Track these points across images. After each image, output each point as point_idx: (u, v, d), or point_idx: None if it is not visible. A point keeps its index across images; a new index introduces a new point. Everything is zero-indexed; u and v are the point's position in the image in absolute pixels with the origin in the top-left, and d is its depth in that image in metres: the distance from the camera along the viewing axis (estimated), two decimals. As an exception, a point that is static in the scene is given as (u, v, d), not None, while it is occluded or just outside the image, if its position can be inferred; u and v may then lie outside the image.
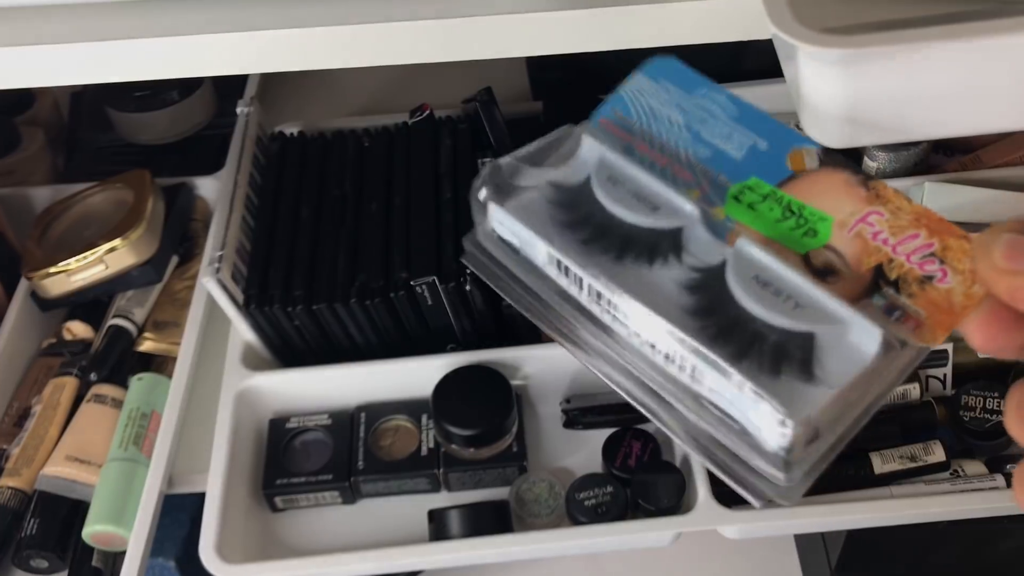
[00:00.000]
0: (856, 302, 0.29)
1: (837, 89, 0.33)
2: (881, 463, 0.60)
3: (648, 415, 0.30)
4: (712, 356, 0.28)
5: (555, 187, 0.32)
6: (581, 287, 0.31)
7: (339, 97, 0.87)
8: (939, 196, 0.69)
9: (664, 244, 0.30)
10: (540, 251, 0.31)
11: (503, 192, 0.32)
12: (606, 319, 0.31)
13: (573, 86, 0.81)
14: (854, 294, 0.29)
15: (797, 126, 0.40)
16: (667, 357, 0.29)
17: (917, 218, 0.30)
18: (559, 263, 0.31)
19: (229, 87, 0.85)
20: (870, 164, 0.73)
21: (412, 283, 0.63)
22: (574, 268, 0.31)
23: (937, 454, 0.60)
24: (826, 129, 0.35)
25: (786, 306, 0.29)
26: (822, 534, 0.71)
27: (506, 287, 0.33)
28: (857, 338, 0.28)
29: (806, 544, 0.77)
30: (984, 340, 0.28)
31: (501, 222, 0.32)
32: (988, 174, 0.72)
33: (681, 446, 0.31)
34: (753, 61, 0.79)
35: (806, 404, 0.27)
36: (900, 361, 0.28)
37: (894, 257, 0.30)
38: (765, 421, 0.28)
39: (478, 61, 0.75)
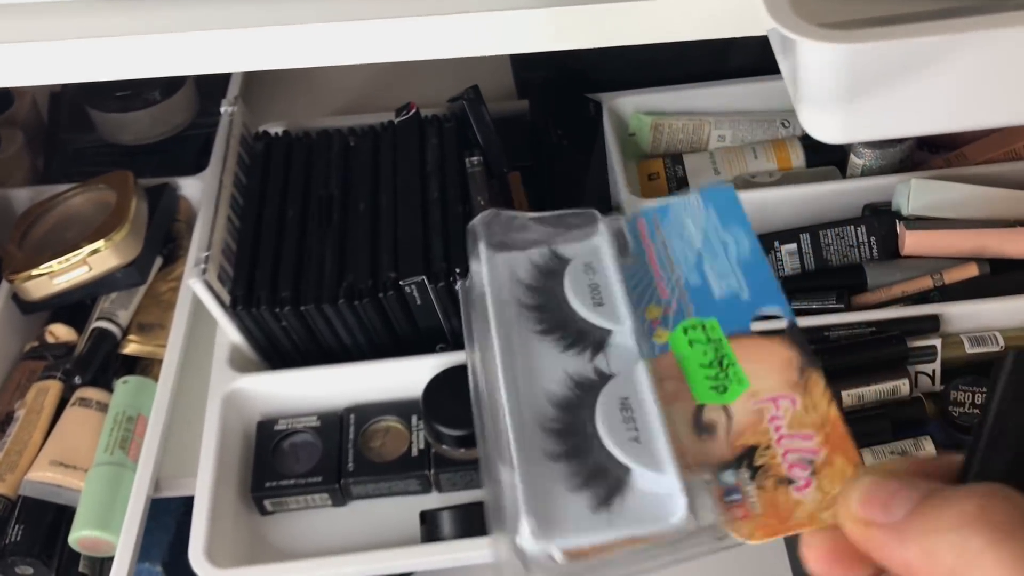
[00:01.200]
0: (707, 468, 0.29)
1: (837, 84, 0.33)
2: (872, 459, 0.60)
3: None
4: (525, 452, 0.31)
5: (555, 255, 0.35)
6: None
7: (324, 96, 0.87)
8: (925, 193, 0.70)
9: (588, 338, 0.33)
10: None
11: (497, 241, 0.36)
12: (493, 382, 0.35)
13: (559, 84, 0.81)
14: (713, 459, 0.29)
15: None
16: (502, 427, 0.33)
17: (823, 424, 0.29)
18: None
19: (211, 86, 0.84)
20: (856, 161, 0.73)
21: (401, 283, 0.62)
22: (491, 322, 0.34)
23: (927, 449, 0.60)
24: (824, 124, 0.35)
25: (628, 434, 0.30)
26: (812, 530, 0.71)
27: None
28: (667, 498, 0.29)
29: (795, 541, 0.77)
30: (820, 567, 0.27)
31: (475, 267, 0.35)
32: (973, 171, 0.72)
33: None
34: (738, 59, 0.80)
35: (569, 530, 0.28)
36: (699, 542, 0.29)
37: (773, 447, 0.29)
38: (521, 525, 0.29)
39: (464, 60, 0.75)
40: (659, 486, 0.29)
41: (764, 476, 0.29)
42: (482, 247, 0.36)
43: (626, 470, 0.29)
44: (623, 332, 0.33)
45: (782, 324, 0.32)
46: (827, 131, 0.35)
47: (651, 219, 0.35)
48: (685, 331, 0.32)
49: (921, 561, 0.24)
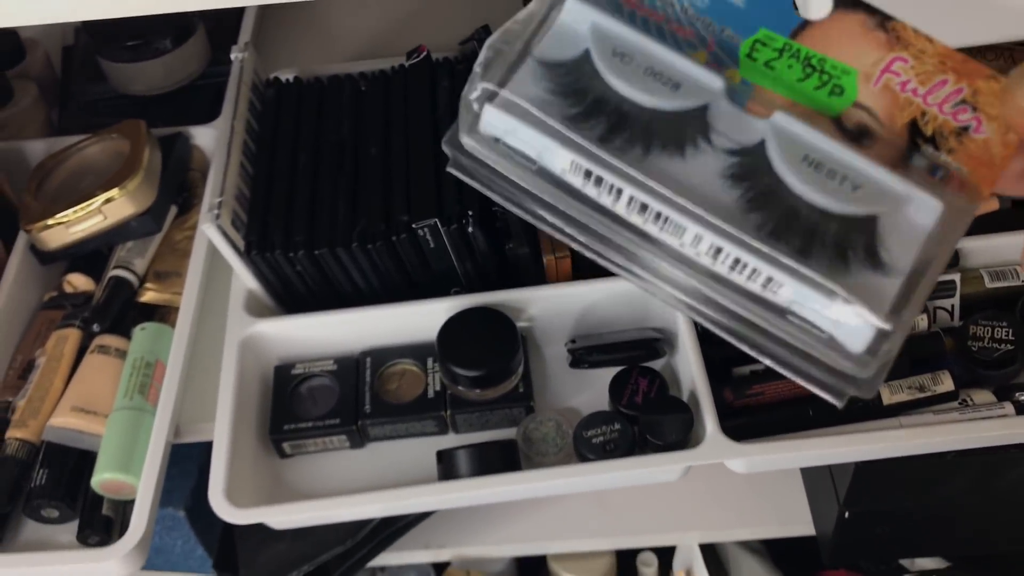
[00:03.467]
0: (898, 165, 0.27)
1: None
2: (890, 394, 0.59)
3: (715, 329, 0.28)
4: (781, 258, 0.26)
5: (548, 67, 0.28)
6: (619, 197, 0.27)
7: (334, 41, 0.86)
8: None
9: (691, 127, 0.27)
10: (559, 159, 0.27)
11: (497, 89, 0.28)
12: (651, 230, 0.27)
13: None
14: (894, 155, 0.27)
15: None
16: (733, 267, 0.27)
17: (943, 61, 0.27)
18: (588, 172, 0.27)
19: (223, 35, 0.83)
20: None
21: (414, 226, 0.62)
22: (609, 177, 0.27)
23: (946, 384, 0.59)
24: None
25: (843, 189, 0.27)
26: (829, 469, 0.71)
27: (513, 197, 0.29)
28: (916, 213, 0.26)
29: (813, 479, 0.77)
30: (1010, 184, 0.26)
31: (502, 126, 0.28)
32: None
33: (755, 356, 0.27)
34: None
35: (883, 296, 0.25)
36: (957, 226, 0.27)
37: (927, 109, 0.27)
38: (850, 322, 0.26)
39: (475, 2, 0.74)
40: (904, 209, 0.27)
41: (944, 139, 0.27)
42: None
43: (871, 220, 0.27)
44: (717, 97, 0.27)
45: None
46: None
47: None
48: (750, 57, 0.28)
49: None
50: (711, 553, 0.84)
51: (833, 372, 0.26)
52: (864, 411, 0.60)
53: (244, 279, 0.66)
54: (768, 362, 0.27)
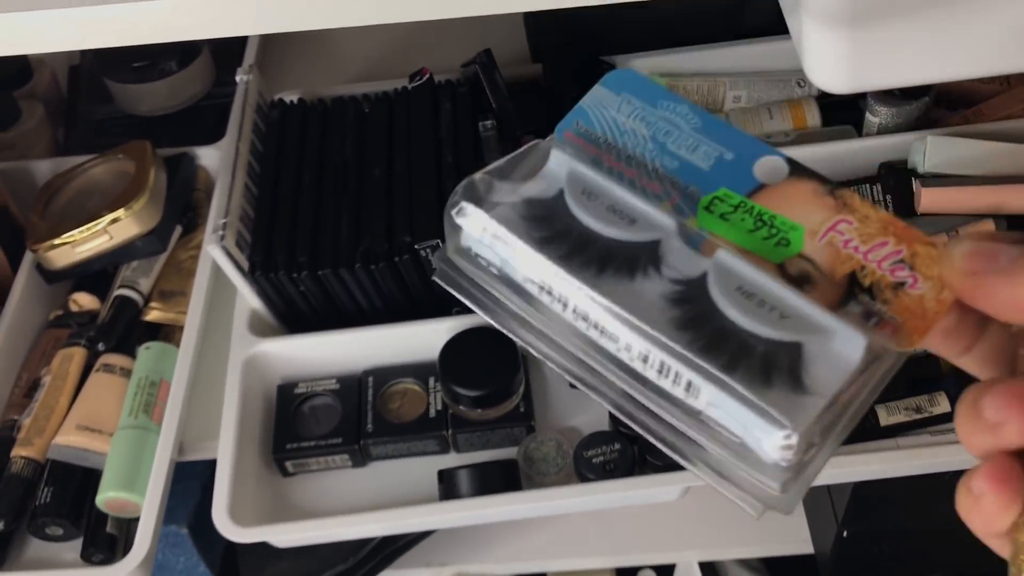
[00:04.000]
0: (834, 310, 0.29)
1: (840, 33, 0.33)
2: (887, 415, 0.60)
3: (638, 429, 0.30)
4: (708, 368, 0.28)
5: (529, 202, 0.32)
6: (566, 307, 0.31)
7: (338, 64, 0.87)
8: (940, 150, 0.69)
9: (643, 257, 0.30)
10: (520, 266, 0.31)
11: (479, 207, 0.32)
12: (592, 335, 0.30)
13: (572, 48, 0.81)
14: (831, 302, 0.29)
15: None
16: (660, 371, 0.30)
17: (884, 226, 0.30)
18: (542, 284, 0.31)
19: (227, 57, 0.84)
20: (872, 119, 0.73)
21: (416, 247, 0.63)
22: (557, 285, 0.30)
23: (942, 405, 0.60)
24: (830, 73, 0.35)
25: (771, 317, 0.29)
26: (828, 488, 0.71)
27: (483, 305, 0.32)
28: (842, 346, 0.29)
29: (812, 498, 0.77)
30: (945, 346, 0.29)
31: (479, 233, 0.32)
32: (989, 127, 0.72)
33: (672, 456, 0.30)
34: (752, 19, 0.79)
35: (803, 414, 0.27)
36: (882, 367, 0.29)
37: (866, 264, 0.30)
38: (766, 435, 0.28)
39: (477, 26, 0.74)
40: (829, 341, 0.29)
41: (880, 291, 0.30)
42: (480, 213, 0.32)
43: (796, 346, 0.29)
44: (669, 235, 0.31)
45: (785, 167, 0.31)
46: (833, 80, 0.35)
47: (575, 128, 0.33)
48: (708, 209, 0.31)
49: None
50: (710, 571, 0.85)
51: (748, 482, 0.28)
52: (862, 432, 0.60)
53: (248, 299, 0.66)
54: (686, 464, 0.30)
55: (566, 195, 0.32)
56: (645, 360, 0.30)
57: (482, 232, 0.31)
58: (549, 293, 0.31)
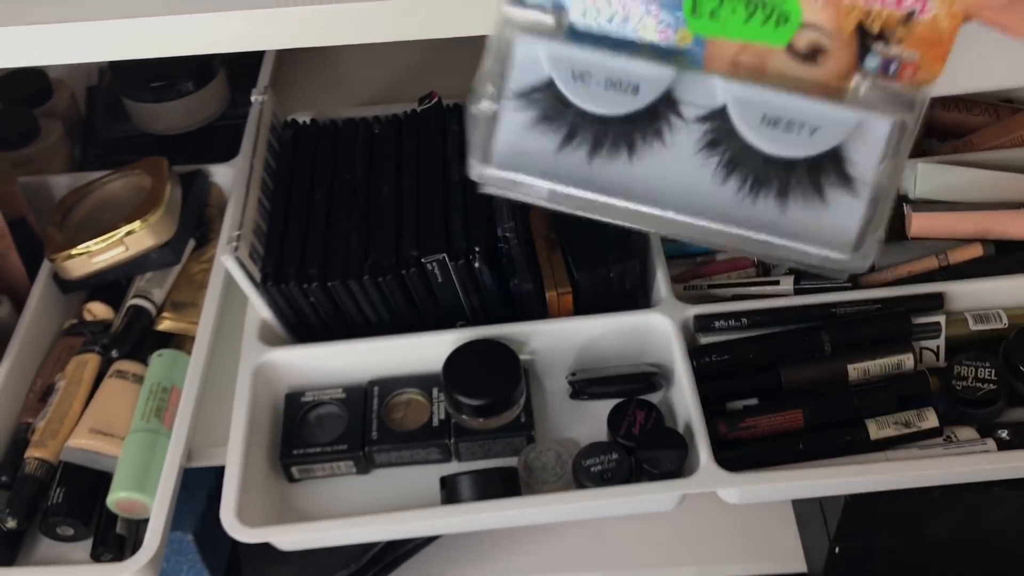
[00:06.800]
0: (852, 73, 0.29)
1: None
2: (877, 429, 0.62)
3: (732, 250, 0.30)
4: (769, 239, 0.29)
5: (524, 96, 0.30)
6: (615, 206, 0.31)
7: (350, 87, 0.90)
8: (931, 177, 0.72)
9: (662, 110, 0.30)
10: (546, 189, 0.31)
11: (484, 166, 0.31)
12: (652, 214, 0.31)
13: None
14: (849, 63, 0.29)
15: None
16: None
17: None
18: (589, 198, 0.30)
19: (242, 79, 0.87)
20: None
21: (423, 260, 0.65)
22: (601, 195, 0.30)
23: (931, 420, 0.62)
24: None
25: (802, 136, 0.29)
26: (820, 503, 0.73)
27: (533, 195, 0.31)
28: (871, 129, 0.29)
29: (805, 515, 0.79)
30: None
31: (505, 179, 0.31)
32: (978, 156, 0.74)
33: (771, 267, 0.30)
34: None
35: (854, 222, 0.28)
36: (915, 112, 0.29)
37: (870, 8, 0.29)
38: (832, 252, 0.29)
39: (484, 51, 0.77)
40: (859, 129, 0.29)
41: (892, 31, 0.29)
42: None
43: (834, 151, 0.29)
44: (672, 77, 0.30)
45: None
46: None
47: None
48: (695, 13, 0.29)
49: None
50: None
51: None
52: (852, 446, 0.62)
53: (259, 309, 0.68)
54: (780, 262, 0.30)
55: (558, 84, 0.30)
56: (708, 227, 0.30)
57: (504, 185, 0.31)
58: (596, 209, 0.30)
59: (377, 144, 0.75)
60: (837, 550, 0.72)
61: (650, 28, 0.29)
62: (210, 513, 0.77)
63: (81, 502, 0.64)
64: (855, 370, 0.64)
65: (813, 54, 0.29)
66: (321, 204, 0.71)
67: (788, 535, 0.80)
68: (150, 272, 0.74)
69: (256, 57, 0.88)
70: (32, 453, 0.65)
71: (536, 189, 0.30)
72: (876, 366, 0.64)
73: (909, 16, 0.28)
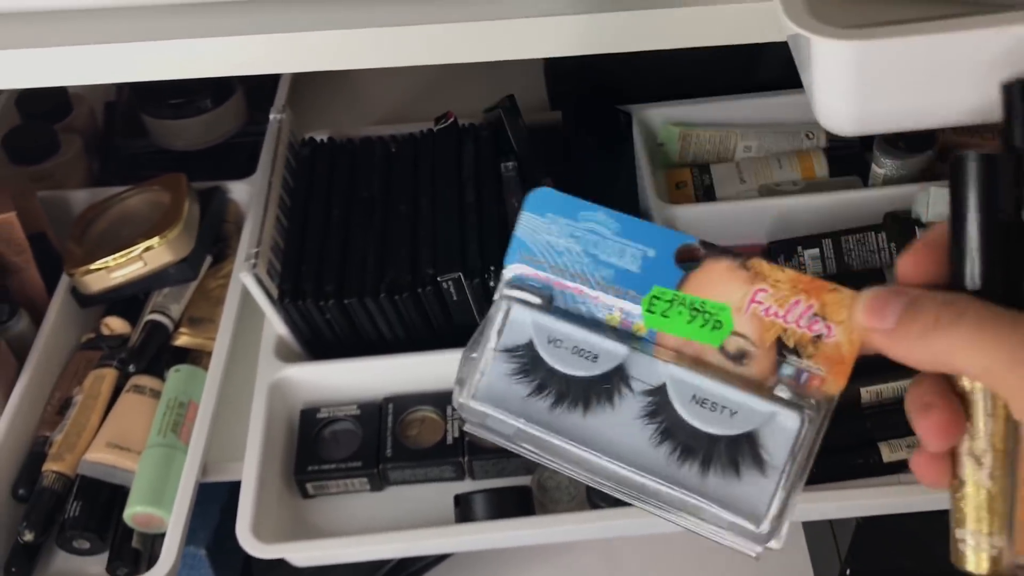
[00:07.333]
0: (771, 376, 0.35)
1: (847, 79, 0.36)
2: (890, 452, 0.62)
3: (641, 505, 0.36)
4: (685, 494, 0.35)
5: (507, 352, 0.37)
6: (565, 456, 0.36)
7: (366, 106, 0.91)
8: (943, 201, 0.72)
9: (614, 379, 0.36)
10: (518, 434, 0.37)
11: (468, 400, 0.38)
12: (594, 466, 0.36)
13: (590, 97, 0.84)
14: (769, 369, 0.35)
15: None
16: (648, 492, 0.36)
17: (793, 285, 0.35)
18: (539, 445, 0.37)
19: (260, 96, 0.88)
20: (877, 171, 0.76)
21: (439, 279, 0.66)
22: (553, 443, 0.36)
23: (943, 443, 0.62)
24: (840, 119, 0.38)
25: (724, 417, 0.35)
26: (831, 526, 0.73)
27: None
28: (783, 421, 0.34)
29: (816, 535, 0.79)
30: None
31: (479, 418, 0.38)
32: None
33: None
34: (765, 72, 0.83)
35: (764, 499, 0.34)
36: (820, 415, 0.34)
37: (787, 327, 0.35)
38: (743, 522, 0.35)
39: (499, 73, 0.78)
40: (775, 421, 0.35)
41: (804, 348, 0.35)
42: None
43: (750, 435, 0.35)
44: (627, 356, 0.36)
45: (699, 249, 0.36)
46: (843, 124, 0.38)
47: (522, 259, 0.38)
48: (650, 311, 0.36)
49: (909, 359, 0.32)
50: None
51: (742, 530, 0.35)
52: (865, 468, 0.62)
53: (275, 325, 0.69)
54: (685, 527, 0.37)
55: (536, 345, 0.37)
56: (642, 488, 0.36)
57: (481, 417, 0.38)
58: (546, 449, 0.37)
59: (394, 163, 0.76)
60: (848, 572, 0.72)
61: (615, 318, 0.37)
62: (222, 528, 0.78)
63: (98, 516, 0.64)
64: (868, 393, 0.65)
65: (740, 356, 0.36)
66: (338, 222, 0.71)
67: (799, 557, 0.80)
68: (167, 287, 0.75)
69: (274, 75, 0.89)
70: (49, 466, 0.66)
71: (505, 424, 0.37)
72: (889, 389, 0.65)
73: (818, 337, 0.34)
